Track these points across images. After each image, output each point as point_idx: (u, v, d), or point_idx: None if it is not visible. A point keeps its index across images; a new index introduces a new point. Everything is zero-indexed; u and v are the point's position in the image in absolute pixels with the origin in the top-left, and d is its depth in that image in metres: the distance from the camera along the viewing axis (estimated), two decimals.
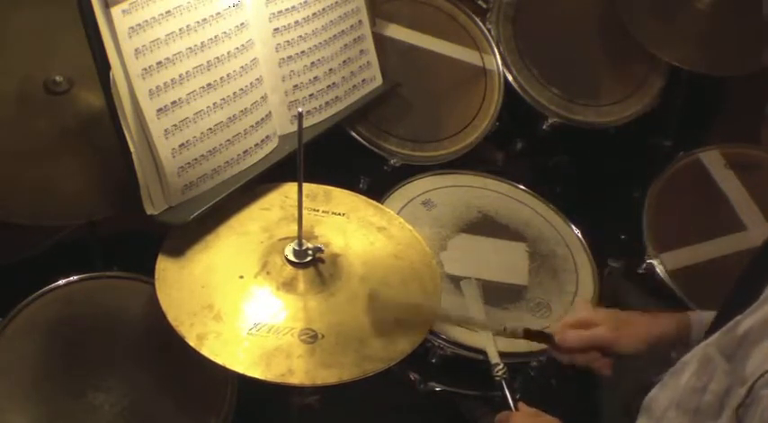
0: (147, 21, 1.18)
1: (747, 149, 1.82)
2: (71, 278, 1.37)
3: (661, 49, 1.90)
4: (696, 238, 1.69)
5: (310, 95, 1.48)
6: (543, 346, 1.34)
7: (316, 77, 1.49)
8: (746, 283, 1.03)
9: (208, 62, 1.27)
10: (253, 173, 1.37)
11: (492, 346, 1.31)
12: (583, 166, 2.15)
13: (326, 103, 1.52)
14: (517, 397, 1.22)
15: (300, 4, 1.43)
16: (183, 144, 1.26)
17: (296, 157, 1.15)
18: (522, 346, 1.35)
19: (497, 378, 1.26)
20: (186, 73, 1.24)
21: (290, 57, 1.43)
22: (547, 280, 1.52)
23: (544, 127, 1.91)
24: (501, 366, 1.27)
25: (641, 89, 1.98)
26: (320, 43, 1.48)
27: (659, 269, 1.64)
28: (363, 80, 1.60)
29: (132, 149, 1.21)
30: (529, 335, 1.28)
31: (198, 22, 1.24)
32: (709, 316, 1.23)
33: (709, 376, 0.95)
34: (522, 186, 1.73)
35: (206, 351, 1.10)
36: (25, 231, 1.66)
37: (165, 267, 1.22)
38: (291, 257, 1.23)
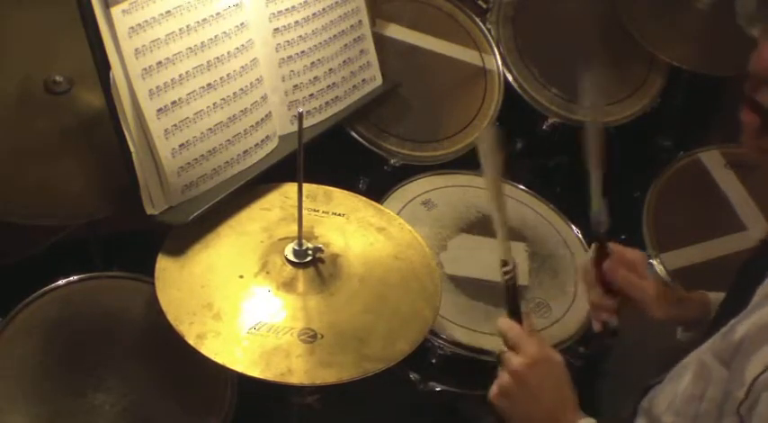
0: (147, 21, 1.18)
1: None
2: (71, 278, 1.37)
3: (661, 49, 1.90)
4: (696, 238, 1.69)
5: (310, 95, 1.48)
6: None
7: (316, 77, 1.49)
8: (740, 286, 1.03)
9: (208, 62, 1.27)
10: (253, 173, 1.37)
11: (505, 240, 1.10)
12: (583, 166, 2.14)
13: (326, 103, 1.52)
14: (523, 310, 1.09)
15: (300, 4, 1.43)
16: (183, 144, 1.26)
17: (296, 157, 1.15)
18: None
19: (504, 280, 1.09)
20: (186, 73, 1.24)
21: (290, 57, 1.43)
22: (547, 280, 1.52)
23: (544, 127, 1.91)
24: (510, 267, 1.09)
25: (641, 89, 1.98)
26: (320, 43, 1.48)
27: (659, 269, 1.64)
28: (363, 80, 1.60)
29: (132, 149, 1.21)
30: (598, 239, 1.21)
31: (198, 22, 1.25)
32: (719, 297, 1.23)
33: (705, 383, 0.95)
34: (522, 186, 1.73)
35: (205, 350, 1.10)
36: (25, 231, 1.66)
37: (165, 267, 1.22)
38: (291, 257, 1.23)
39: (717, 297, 1.25)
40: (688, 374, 1.00)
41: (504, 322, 1.06)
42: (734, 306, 0.98)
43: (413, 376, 1.47)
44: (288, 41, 1.42)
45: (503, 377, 1.02)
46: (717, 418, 0.92)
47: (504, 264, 1.08)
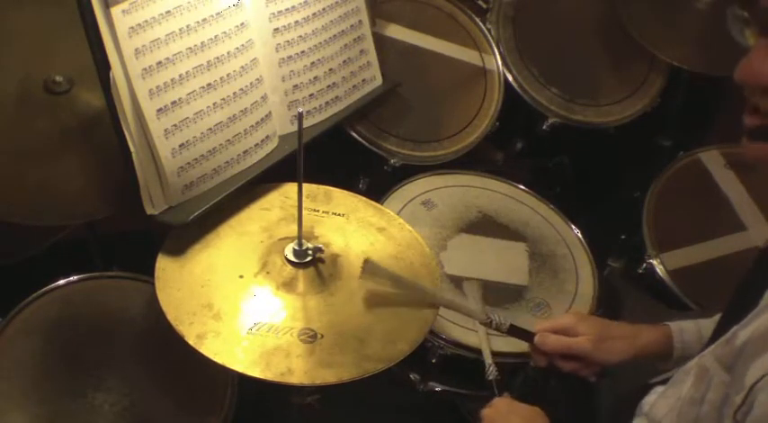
0: (147, 21, 1.18)
1: None
2: (71, 278, 1.37)
3: (661, 49, 1.90)
4: (696, 238, 1.69)
5: (310, 95, 1.48)
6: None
7: (316, 77, 1.49)
8: (744, 292, 1.03)
9: (208, 62, 1.27)
10: (253, 173, 1.37)
11: (486, 347, 1.32)
12: (583, 166, 2.15)
13: (326, 103, 1.52)
14: (506, 395, 1.23)
15: (300, 4, 1.43)
16: (183, 144, 1.26)
17: (296, 157, 1.15)
18: (523, 346, 1.36)
19: (489, 378, 1.27)
20: (186, 73, 1.24)
21: (290, 57, 1.43)
22: (547, 280, 1.52)
23: (544, 127, 1.91)
24: (493, 367, 1.28)
25: (641, 89, 1.98)
26: (320, 43, 1.48)
27: (659, 269, 1.64)
28: (363, 80, 1.60)
29: (132, 149, 1.21)
30: (513, 331, 1.29)
31: (198, 22, 1.25)
32: (687, 325, 1.25)
33: (706, 386, 0.96)
34: (522, 186, 1.73)
35: (205, 350, 1.10)
36: (25, 231, 1.66)
37: (165, 267, 1.22)
38: (291, 257, 1.23)
39: (680, 328, 1.26)
40: (690, 379, 1.01)
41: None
42: (736, 313, 0.98)
43: (413, 376, 1.47)
44: (288, 41, 1.42)
45: None
46: (716, 421, 0.92)
47: (490, 366, 1.28)
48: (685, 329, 1.25)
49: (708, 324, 1.22)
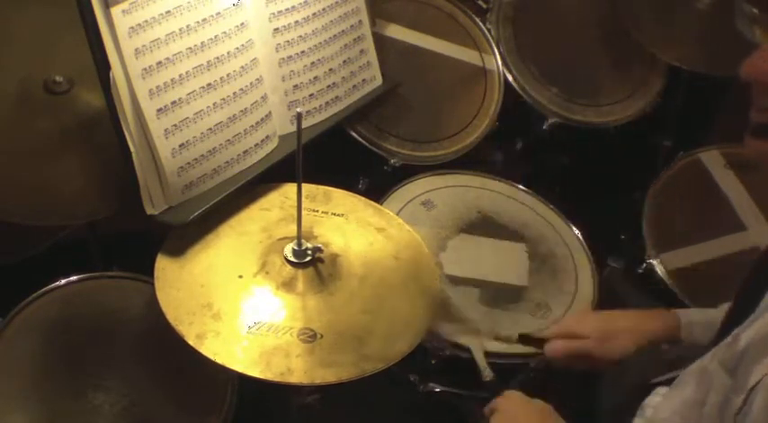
0: (147, 21, 1.18)
1: None
2: (71, 278, 1.37)
3: (661, 49, 1.90)
4: (696, 238, 1.69)
5: (310, 95, 1.48)
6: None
7: (316, 77, 1.49)
8: (745, 295, 1.03)
9: (208, 62, 1.27)
10: (253, 173, 1.37)
11: (480, 353, 1.34)
12: (582, 166, 2.15)
13: (326, 103, 1.52)
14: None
15: (300, 4, 1.43)
16: (183, 144, 1.26)
17: (295, 157, 1.15)
18: (522, 347, 1.36)
19: (486, 380, 1.30)
20: (186, 73, 1.24)
21: (290, 57, 1.43)
22: (546, 280, 1.52)
23: (544, 127, 1.91)
24: (488, 371, 1.31)
25: (641, 89, 1.98)
26: (320, 43, 1.49)
27: (659, 269, 1.64)
28: (363, 80, 1.60)
29: (132, 149, 1.21)
30: (524, 340, 1.32)
31: (198, 22, 1.25)
32: (696, 313, 1.25)
33: (707, 388, 0.96)
34: (521, 186, 1.73)
35: (205, 350, 1.10)
36: (25, 231, 1.66)
37: (165, 267, 1.22)
38: (291, 257, 1.23)
39: (688, 316, 1.26)
40: (692, 382, 1.01)
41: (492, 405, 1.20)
42: (738, 316, 0.98)
43: (412, 377, 1.47)
44: (288, 41, 1.42)
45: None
46: (717, 422, 0.92)
47: (485, 369, 1.31)
48: (695, 320, 1.25)
49: (715, 314, 1.22)
